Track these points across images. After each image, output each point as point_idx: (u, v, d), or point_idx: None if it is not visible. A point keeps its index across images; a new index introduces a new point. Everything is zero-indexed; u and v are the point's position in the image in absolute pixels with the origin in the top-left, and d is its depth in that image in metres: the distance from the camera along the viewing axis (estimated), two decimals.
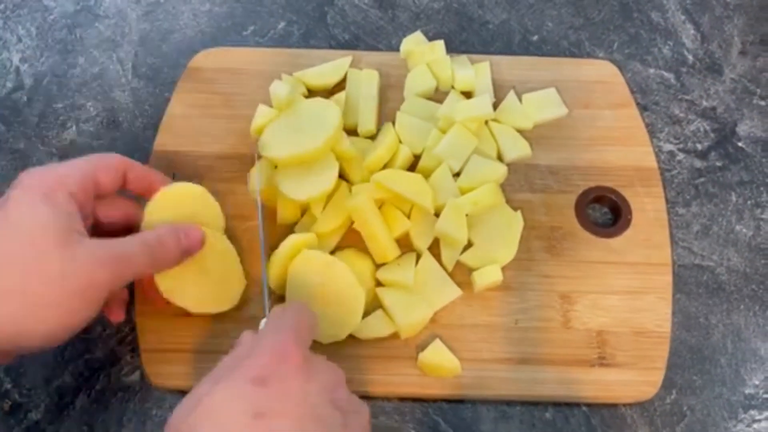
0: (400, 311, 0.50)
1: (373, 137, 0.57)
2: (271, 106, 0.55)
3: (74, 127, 0.60)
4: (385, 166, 0.55)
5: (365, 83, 0.58)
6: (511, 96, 0.59)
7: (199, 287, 0.48)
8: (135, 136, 0.60)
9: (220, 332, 0.51)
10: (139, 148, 0.59)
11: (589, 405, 0.51)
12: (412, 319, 0.50)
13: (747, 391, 0.52)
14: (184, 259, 0.47)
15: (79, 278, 0.40)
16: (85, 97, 0.61)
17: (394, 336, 0.51)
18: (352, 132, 0.57)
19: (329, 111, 0.52)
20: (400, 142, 0.56)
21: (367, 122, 0.57)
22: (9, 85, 0.62)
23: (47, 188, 0.42)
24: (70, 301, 0.40)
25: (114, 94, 0.62)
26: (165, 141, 0.57)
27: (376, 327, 0.50)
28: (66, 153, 0.59)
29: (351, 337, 0.50)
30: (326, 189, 0.51)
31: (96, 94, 0.62)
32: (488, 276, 0.51)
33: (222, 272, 0.50)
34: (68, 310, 0.40)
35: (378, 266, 0.53)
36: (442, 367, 0.49)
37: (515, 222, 0.53)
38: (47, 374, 0.51)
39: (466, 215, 0.52)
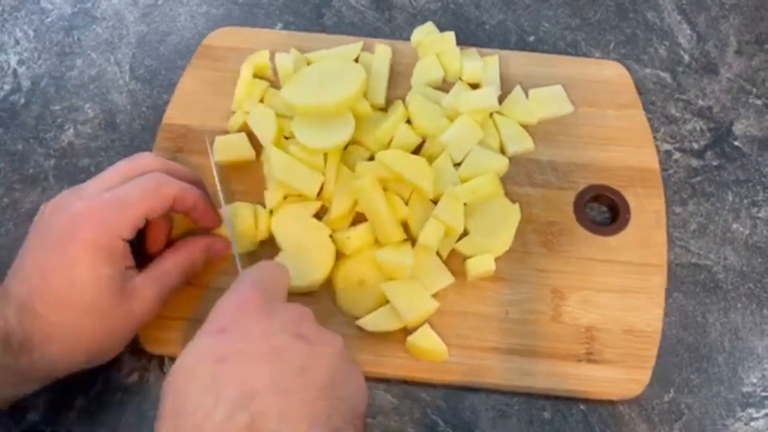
0: (405, 305, 0.50)
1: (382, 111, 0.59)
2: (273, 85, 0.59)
3: (72, 129, 0.60)
4: (389, 145, 0.56)
5: (378, 57, 0.60)
6: (518, 90, 0.59)
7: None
8: (133, 138, 0.60)
9: (215, 300, 0.51)
10: (137, 150, 0.59)
11: (586, 401, 0.51)
12: (417, 313, 0.50)
13: (744, 390, 0.52)
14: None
15: (133, 323, 0.46)
16: (82, 99, 0.62)
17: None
18: None
19: (355, 69, 0.55)
20: (408, 122, 0.57)
21: (376, 95, 0.58)
22: (6, 87, 0.62)
23: (107, 246, 0.44)
24: (123, 340, 0.47)
25: (112, 96, 0.62)
26: (174, 114, 0.59)
27: (385, 321, 0.51)
28: (64, 155, 0.59)
29: (344, 317, 0.51)
30: (343, 140, 0.53)
31: (94, 96, 0.62)
32: (481, 265, 0.52)
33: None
34: (121, 344, 0.47)
35: None
36: (429, 351, 0.50)
37: (512, 214, 0.54)
38: None
39: (464, 204, 0.53)
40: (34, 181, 0.58)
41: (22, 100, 0.61)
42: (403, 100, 0.58)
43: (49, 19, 0.65)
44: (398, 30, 0.65)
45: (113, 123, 0.61)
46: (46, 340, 0.42)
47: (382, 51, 0.60)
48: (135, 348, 0.51)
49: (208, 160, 0.55)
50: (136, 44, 0.64)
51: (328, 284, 0.53)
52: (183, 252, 0.49)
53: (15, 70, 0.63)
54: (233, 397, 0.35)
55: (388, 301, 0.51)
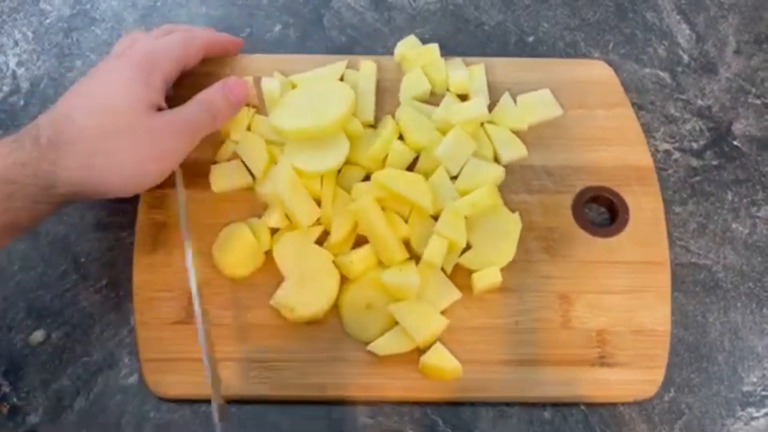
0: (415, 326, 0.49)
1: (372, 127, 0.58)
2: (259, 111, 0.57)
3: None
4: (384, 162, 0.55)
5: (363, 75, 0.58)
6: (506, 97, 0.59)
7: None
8: None
9: (219, 341, 0.51)
10: None
11: (588, 404, 0.51)
12: (428, 332, 0.49)
13: (744, 389, 0.52)
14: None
15: (160, 155, 0.49)
16: None
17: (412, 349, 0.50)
18: None
19: (342, 88, 0.55)
20: (401, 138, 0.56)
21: (365, 112, 0.57)
22: (6, 88, 0.62)
23: (149, 70, 0.50)
24: (145, 163, 0.48)
25: None
26: None
27: (396, 343, 0.50)
28: None
29: (354, 342, 0.51)
30: (339, 161, 0.53)
31: None
32: (487, 278, 0.51)
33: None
34: (143, 170, 0.48)
35: None
36: (443, 369, 0.49)
37: (513, 223, 0.53)
38: (45, 377, 0.51)
39: (465, 217, 0.52)
40: None
41: (21, 102, 0.61)
42: (392, 116, 0.57)
43: (48, 21, 0.65)
44: (398, 31, 0.65)
45: None
46: (71, 142, 0.46)
47: (368, 68, 0.59)
48: (133, 350, 0.52)
49: (201, 190, 0.55)
50: None
51: (335, 310, 0.52)
52: (200, 94, 0.52)
53: (14, 72, 0.63)
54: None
55: (396, 323, 0.50)
